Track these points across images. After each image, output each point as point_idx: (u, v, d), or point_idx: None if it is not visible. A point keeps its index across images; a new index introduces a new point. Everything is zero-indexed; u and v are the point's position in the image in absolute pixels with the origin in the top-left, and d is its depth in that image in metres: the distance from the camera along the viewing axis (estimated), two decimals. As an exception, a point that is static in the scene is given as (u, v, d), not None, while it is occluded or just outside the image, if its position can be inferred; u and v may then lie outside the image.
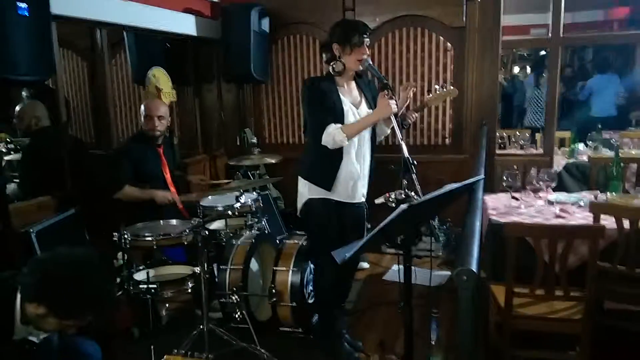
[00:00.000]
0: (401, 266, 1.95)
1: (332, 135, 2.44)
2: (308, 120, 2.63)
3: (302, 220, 2.71)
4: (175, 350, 1.65)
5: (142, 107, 3.33)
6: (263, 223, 3.28)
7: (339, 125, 2.45)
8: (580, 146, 4.49)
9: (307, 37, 4.64)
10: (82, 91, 5.09)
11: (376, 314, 3.23)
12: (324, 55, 3.17)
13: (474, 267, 1.11)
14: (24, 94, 4.13)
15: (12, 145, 4.35)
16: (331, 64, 2.56)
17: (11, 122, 3.69)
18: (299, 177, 2.64)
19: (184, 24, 4.22)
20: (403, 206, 1.44)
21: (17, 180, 3.61)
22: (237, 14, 4.29)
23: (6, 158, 3.98)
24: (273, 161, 3.47)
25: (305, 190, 2.61)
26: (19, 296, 1.59)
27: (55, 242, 2.55)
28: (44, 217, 2.91)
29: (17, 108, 3.39)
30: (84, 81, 5.10)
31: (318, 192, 2.57)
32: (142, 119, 3.27)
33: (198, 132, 4.80)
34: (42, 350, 1.68)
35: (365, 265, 4.01)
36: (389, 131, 2.71)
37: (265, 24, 4.47)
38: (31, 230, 2.59)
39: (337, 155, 2.53)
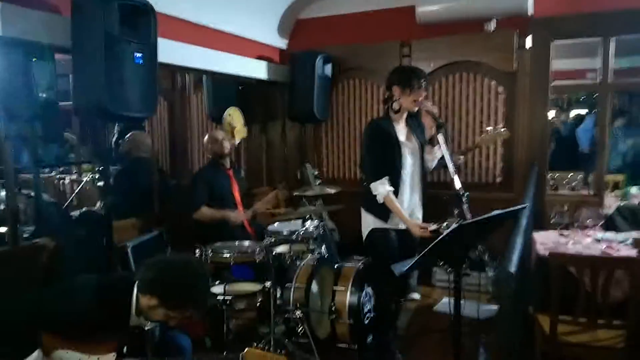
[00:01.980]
0: (451, 298, 2.18)
1: (379, 191, 2.79)
2: (366, 157, 2.95)
3: (357, 249, 3.02)
4: (255, 344, 1.96)
5: (207, 138, 3.89)
6: (323, 249, 3.58)
7: (389, 190, 2.79)
8: (634, 189, 4.56)
9: (366, 82, 5.01)
10: (162, 127, 5.66)
11: (427, 340, 3.42)
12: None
13: (512, 270, 1.36)
14: (116, 128, 4.73)
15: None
16: (390, 103, 2.91)
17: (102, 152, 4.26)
18: (362, 209, 2.96)
19: (257, 69, 4.71)
20: (454, 225, 1.71)
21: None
22: (304, 60, 4.73)
23: (98, 184, 4.53)
24: (332, 191, 3.79)
25: (368, 221, 2.92)
26: (135, 290, 1.97)
27: (146, 256, 2.95)
28: (133, 235, 3.36)
29: (128, 137, 3.93)
30: (163, 118, 5.67)
31: (377, 223, 2.87)
32: (210, 146, 3.78)
33: (263, 166, 5.23)
34: (148, 336, 2.03)
35: (417, 296, 4.20)
36: (433, 164, 3.00)
37: (328, 69, 4.89)
38: (128, 245, 3.02)
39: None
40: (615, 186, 4.98)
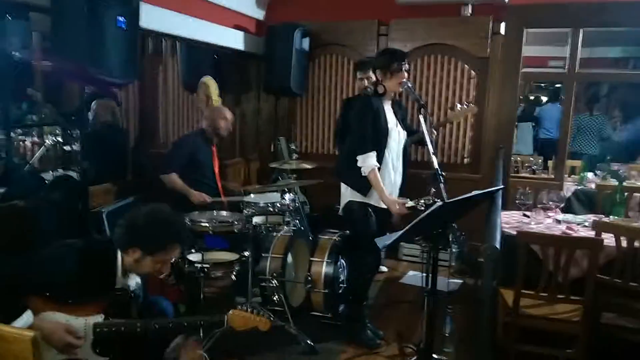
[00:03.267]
0: (416, 272, 2.30)
1: (366, 163, 2.86)
2: (355, 129, 2.99)
3: (328, 222, 3.09)
4: (240, 306, 2.02)
5: (214, 109, 3.83)
6: (297, 221, 3.65)
7: (376, 166, 2.86)
8: (590, 175, 4.84)
9: (342, 58, 5.03)
10: (131, 93, 5.51)
11: (394, 310, 3.58)
12: (358, 74, 3.64)
13: (497, 245, 1.47)
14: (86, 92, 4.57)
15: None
16: (375, 87, 2.97)
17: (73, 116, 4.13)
18: (341, 183, 3.03)
19: (233, 39, 4.65)
20: (439, 202, 1.81)
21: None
22: (282, 32, 4.69)
23: (65, 148, 4.40)
24: (309, 167, 3.85)
25: (347, 193, 3.01)
26: (119, 253, 1.99)
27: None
28: (106, 201, 3.33)
29: (94, 103, 3.82)
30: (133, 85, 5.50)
31: (356, 196, 2.96)
32: (213, 118, 3.74)
33: (236, 137, 5.21)
34: (132, 298, 2.06)
35: (384, 269, 4.36)
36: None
37: (306, 42, 4.88)
38: (103, 211, 2.99)
39: None
40: (572, 171, 5.26)
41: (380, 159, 2.89)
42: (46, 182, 3.07)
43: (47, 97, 5.04)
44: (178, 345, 2.12)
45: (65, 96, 4.40)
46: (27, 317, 1.77)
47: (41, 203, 2.76)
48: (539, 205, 3.45)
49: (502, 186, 2.54)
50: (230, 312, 2.00)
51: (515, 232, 2.77)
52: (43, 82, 4.99)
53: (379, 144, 2.90)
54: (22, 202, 2.75)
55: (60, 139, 4.81)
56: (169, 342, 2.10)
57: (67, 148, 4.51)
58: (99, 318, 1.92)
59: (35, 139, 5.29)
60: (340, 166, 3.08)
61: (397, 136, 3.00)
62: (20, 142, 5.09)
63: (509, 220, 3.40)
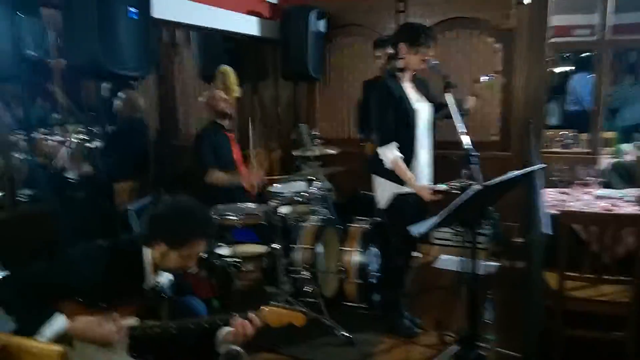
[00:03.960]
0: (449, 255, 2.19)
1: (386, 156, 2.74)
2: (373, 120, 2.86)
3: (354, 209, 2.97)
4: (273, 302, 1.95)
5: (207, 97, 3.70)
6: (325, 210, 3.56)
7: (398, 156, 2.73)
8: (625, 146, 4.62)
9: (361, 38, 4.88)
10: (148, 85, 5.45)
11: (430, 297, 3.49)
12: (375, 52, 3.47)
13: (545, 230, 1.35)
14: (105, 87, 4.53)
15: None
16: (394, 61, 2.82)
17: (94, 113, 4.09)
18: (373, 175, 2.90)
19: (247, 25, 4.53)
20: (477, 186, 1.69)
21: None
22: (296, 14, 4.57)
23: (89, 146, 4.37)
24: (332, 152, 3.74)
25: (384, 185, 2.86)
26: (145, 250, 1.94)
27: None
28: (130, 199, 3.28)
29: (122, 96, 3.75)
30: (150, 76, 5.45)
31: (396, 187, 2.82)
32: (212, 105, 3.63)
33: (256, 126, 5.12)
34: (164, 300, 2.01)
35: (417, 254, 4.24)
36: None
37: (322, 24, 4.73)
38: (129, 208, 2.94)
39: (407, 151, 2.79)
40: (606, 144, 5.04)
41: (411, 140, 2.77)
42: (71, 181, 3.04)
43: (68, 95, 5.03)
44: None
45: (86, 93, 4.37)
46: (60, 321, 1.72)
47: (67, 203, 2.72)
48: (576, 182, 3.31)
49: (543, 165, 2.39)
50: (265, 308, 1.93)
51: (555, 212, 2.64)
52: (62, 80, 4.98)
53: (406, 126, 2.77)
54: (47, 204, 2.72)
55: (83, 137, 4.80)
56: (205, 342, 2.03)
57: (90, 146, 4.49)
58: (133, 321, 1.88)
59: (59, 137, 5.30)
60: (373, 159, 2.93)
61: (425, 114, 2.86)
62: (44, 142, 5.10)
63: (545, 198, 3.26)
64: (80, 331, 1.75)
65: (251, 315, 1.90)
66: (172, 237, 1.92)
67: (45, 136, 5.02)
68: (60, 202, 2.71)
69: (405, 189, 2.81)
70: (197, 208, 2.01)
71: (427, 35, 2.74)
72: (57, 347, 1.26)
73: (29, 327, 1.68)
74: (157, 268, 2.00)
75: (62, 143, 4.67)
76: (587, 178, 3.34)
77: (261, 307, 1.91)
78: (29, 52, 2.91)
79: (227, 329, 1.95)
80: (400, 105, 2.75)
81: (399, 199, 2.83)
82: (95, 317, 1.78)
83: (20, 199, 2.76)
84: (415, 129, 2.80)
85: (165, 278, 2.08)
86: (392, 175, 2.79)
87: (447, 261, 4.03)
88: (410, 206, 2.82)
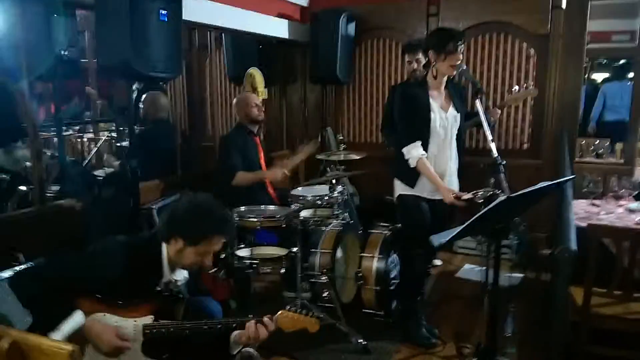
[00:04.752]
0: (473, 265, 2.14)
1: (411, 154, 2.71)
2: (398, 121, 2.85)
3: (379, 214, 2.95)
4: (288, 307, 1.94)
5: (240, 100, 3.69)
6: (347, 214, 3.53)
7: (422, 154, 2.70)
8: (662, 157, 4.43)
9: (390, 41, 4.83)
10: (179, 87, 5.55)
11: (451, 307, 3.41)
12: (406, 56, 3.46)
13: (572, 245, 1.30)
14: (134, 87, 4.63)
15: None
16: (427, 69, 2.79)
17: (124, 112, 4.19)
18: (394, 179, 2.90)
19: (277, 28, 4.56)
20: (501, 196, 1.64)
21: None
22: (326, 18, 4.55)
23: (118, 144, 4.48)
24: (357, 157, 3.72)
25: (398, 186, 2.86)
26: (164, 245, 1.95)
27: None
28: (155, 197, 3.33)
29: (145, 97, 3.83)
30: (181, 78, 5.55)
31: (405, 189, 2.81)
32: (244, 110, 3.63)
33: (283, 129, 5.14)
34: (181, 300, 2.02)
35: (439, 262, 4.18)
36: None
37: (352, 28, 4.71)
38: (153, 207, 3.00)
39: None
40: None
41: (425, 148, 2.73)
42: (99, 178, 3.12)
43: (99, 95, 5.18)
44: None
45: (117, 92, 4.48)
46: (78, 317, 1.76)
47: (94, 201, 2.79)
48: (609, 193, 3.18)
49: (572, 176, 2.31)
50: (279, 313, 1.92)
51: (584, 225, 2.54)
52: (94, 80, 5.12)
53: (423, 134, 2.74)
54: (75, 200, 2.79)
55: (113, 136, 4.93)
56: (219, 343, 2.03)
57: (120, 144, 4.60)
58: (149, 320, 1.90)
59: (91, 135, 5.46)
60: (394, 161, 2.92)
61: (450, 123, 2.81)
62: (76, 139, 5.26)
63: (575, 210, 3.14)
64: (95, 335, 1.77)
65: (266, 319, 1.90)
66: (188, 232, 1.93)
67: (76, 134, 5.20)
68: (88, 199, 2.76)
69: (415, 192, 2.79)
70: (215, 205, 2.01)
71: (455, 40, 2.69)
72: (67, 346, 1.27)
73: (46, 322, 1.71)
74: (174, 265, 2.02)
75: (92, 141, 4.81)
76: (621, 190, 3.21)
77: (277, 312, 1.91)
78: (63, 51, 2.99)
79: (240, 331, 1.95)
80: (419, 110, 2.71)
81: (404, 199, 2.82)
82: (111, 328, 1.81)
83: (49, 194, 2.83)
84: (430, 138, 2.76)
85: (181, 276, 2.10)
86: (404, 175, 2.77)
87: (470, 271, 3.94)
88: (419, 209, 2.79)
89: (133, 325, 1.88)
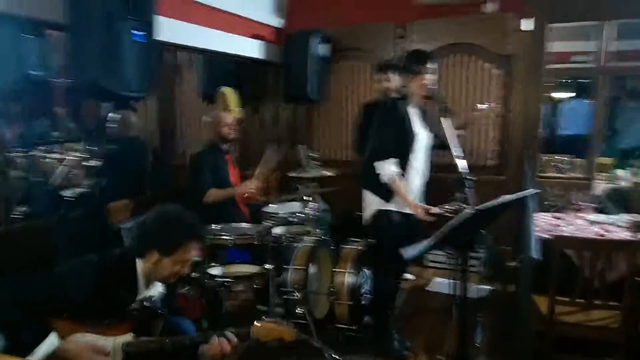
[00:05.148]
0: (443, 279, 2.20)
1: (384, 171, 2.77)
2: (375, 136, 2.91)
3: (351, 230, 3.00)
4: (264, 317, 1.95)
5: (211, 119, 3.70)
6: (319, 231, 3.57)
7: (396, 172, 2.77)
8: (619, 172, 4.63)
9: (361, 62, 4.95)
10: (150, 106, 5.52)
11: (422, 319, 3.47)
12: (375, 76, 3.57)
13: (534, 254, 1.37)
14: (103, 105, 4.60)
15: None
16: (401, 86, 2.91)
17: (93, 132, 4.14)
18: (364, 191, 2.95)
19: (251, 48, 4.61)
20: (469, 210, 1.71)
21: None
22: (298, 39, 4.65)
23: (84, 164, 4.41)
24: (329, 174, 3.78)
25: (370, 200, 2.91)
26: (138, 261, 1.95)
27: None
28: (126, 217, 3.30)
29: (113, 115, 3.80)
30: (152, 97, 5.53)
31: (381, 203, 2.86)
32: (215, 128, 3.63)
33: (256, 147, 5.16)
34: (159, 316, 2.01)
35: (410, 276, 4.24)
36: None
37: (325, 49, 4.80)
38: (122, 227, 2.97)
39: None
40: (602, 169, 5.05)
41: (405, 163, 2.81)
42: (67, 199, 3.07)
43: (68, 114, 5.10)
44: None
45: (86, 112, 4.44)
46: (52, 340, 1.73)
47: (62, 221, 2.75)
48: (569, 206, 3.32)
49: (537, 190, 2.41)
50: (255, 323, 1.93)
51: (548, 236, 2.65)
52: (63, 99, 5.05)
53: (405, 149, 2.81)
54: (42, 221, 2.75)
55: (81, 155, 4.85)
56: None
57: (88, 164, 4.53)
58: (129, 337, 1.88)
59: (58, 155, 5.35)
60: (363, 173, 2.98)
61: (423, 140, 2.91)
62: (43, 160, 5.15)
63: (538, 222, 3.25)
64: (73, 356, 1.74)
65: (229, 333, 1.90)
66: (162, 243, 1.92)
67: (43, 154, 5.09)
68: (55, 220, 2.72)
69: (390, 207, 2.84)
70: (184, 212, 2.01)
71: (418, 61, 2.81)
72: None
73: (20, 345, 1.68)
74: (150, 280, 2.00)
75: (59, 161, 4.72)
76: (581, 203, 3.35)
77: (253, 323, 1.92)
78: (32, 71, 2.97)
79: (206, 346, 1.94)
80: (402, 126, 2.79)
81: (382, 215, 2.87)
82: (88, 345, 1.79)
83: (15, 216, 2.78)
84: (411, 154, 2.84)
85: (156, 291, 2.08)
86: (380, 190, 2.83)
87: (440, 284, 4.02)
88: (394, 225, 2.85)
89: (112, 342, 1.85)
